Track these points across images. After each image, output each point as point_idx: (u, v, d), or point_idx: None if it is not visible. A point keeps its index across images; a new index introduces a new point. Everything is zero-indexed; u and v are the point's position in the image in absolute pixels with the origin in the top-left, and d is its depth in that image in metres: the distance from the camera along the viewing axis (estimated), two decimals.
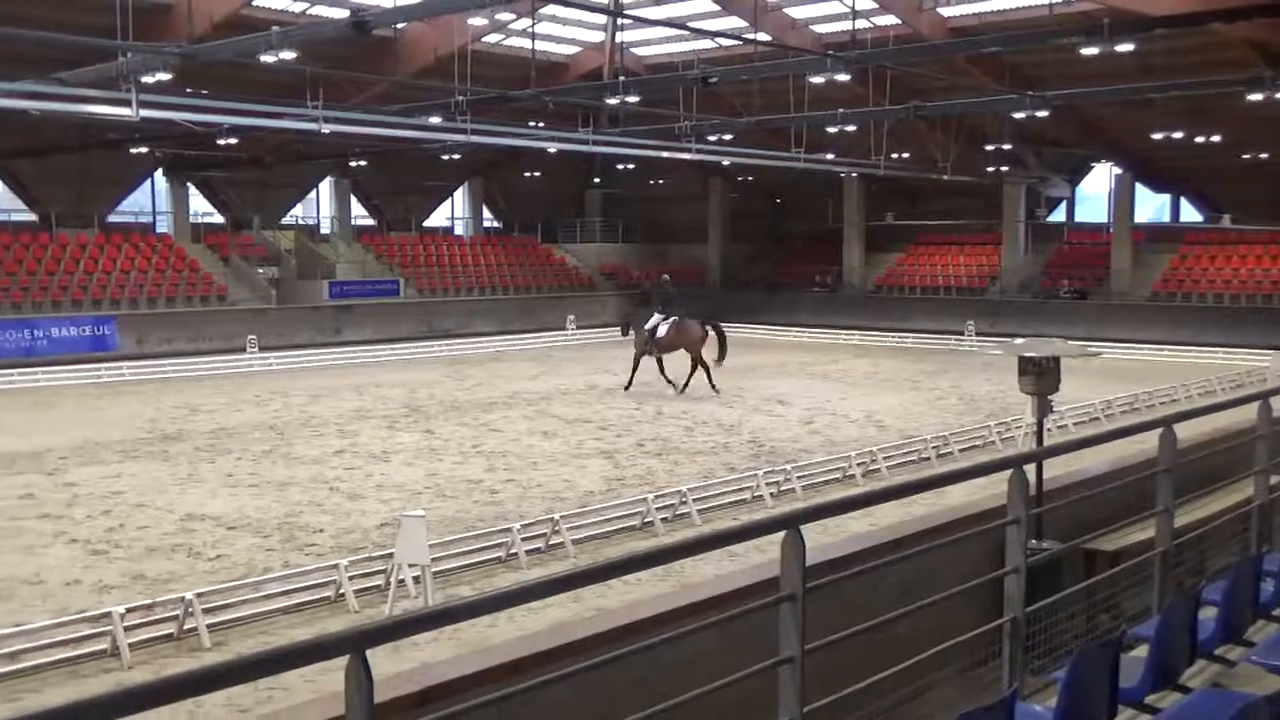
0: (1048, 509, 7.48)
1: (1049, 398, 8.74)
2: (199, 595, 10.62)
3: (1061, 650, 5.72)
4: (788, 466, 17.02)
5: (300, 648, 2.83)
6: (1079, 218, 47.01)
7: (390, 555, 11.61)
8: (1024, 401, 12.11)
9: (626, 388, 26.57)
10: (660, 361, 26.36)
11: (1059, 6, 28.54)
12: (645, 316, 26.78)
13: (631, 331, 27.33)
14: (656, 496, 15.01)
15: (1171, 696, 4.92)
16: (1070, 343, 12.16)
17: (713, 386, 25.83)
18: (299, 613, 11.29)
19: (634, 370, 26.82)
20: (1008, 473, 5.33)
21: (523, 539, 13.12)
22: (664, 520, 14.64)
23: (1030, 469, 6.35)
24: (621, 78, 26.05)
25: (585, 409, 24.29)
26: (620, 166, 47.71)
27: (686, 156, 32.32)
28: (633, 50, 37.32)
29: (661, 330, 26.12)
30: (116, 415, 23.66)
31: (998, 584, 5.32)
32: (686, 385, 26.04)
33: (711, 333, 26.12)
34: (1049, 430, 13.21)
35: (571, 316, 43.28)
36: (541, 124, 33.04)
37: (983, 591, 5.53)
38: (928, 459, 18.65)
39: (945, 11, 31.69)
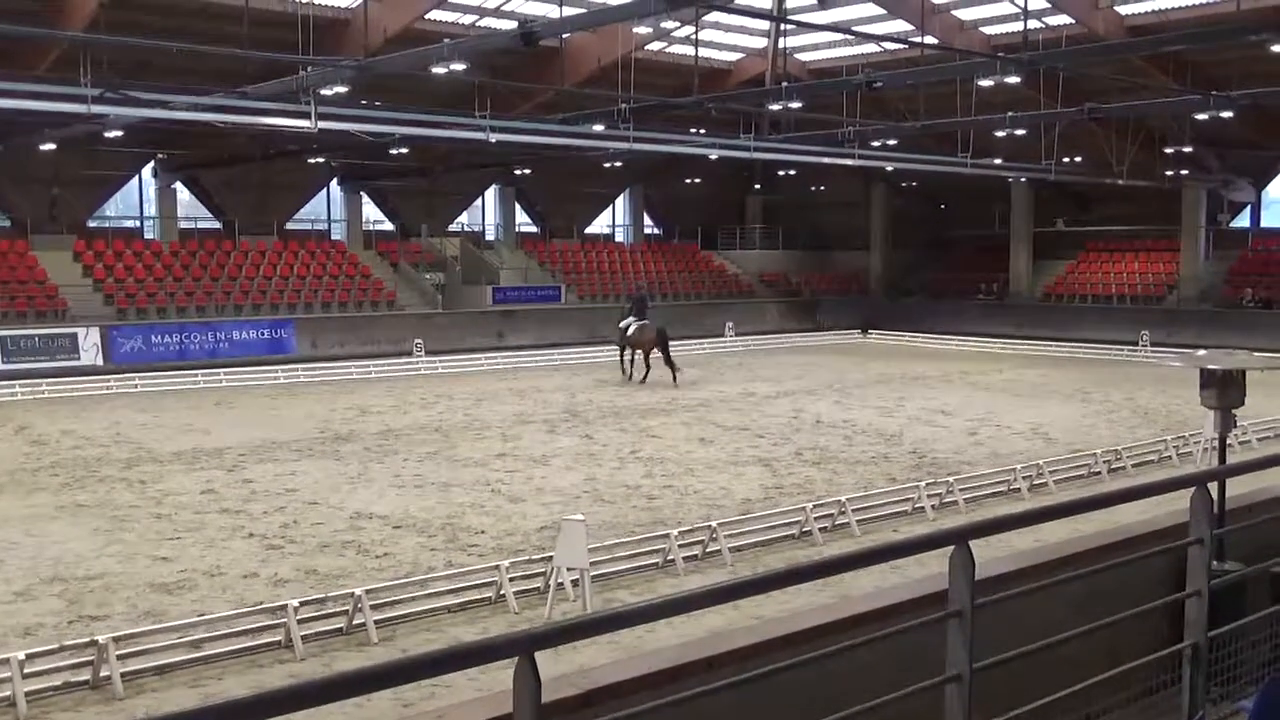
0: (1233, 529, 7.13)
1: (1233, 412, 8.31)
2: (368, 592, 10.96)
3: (1244, 679, 5.45)
4: (950, 479, 16.65)
5: (473, 648, 2.90)
6: (1265, 223, 44.68)
7: (550, 558, 11.76)
8: (1203, 415, 11.59)
9: (627, 376, 30.58)
10: (636, 357, 30.39)
11: (1247, 0, 27.22)
12: (627, 317, 30.93)
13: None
14: (815, 506, 14.86)
15: None
16: (1255, 354, 11.59)
17: (643, 379, 29.67)
18: (461, 611, 11.54)
19: (620, 363, 31.00)
20: (1184, 490, 5.10)
21: (680, 545, 13.16)
22: (822, 530, 14.49)
23: (1214, 486, 6.07)
24: (784, 83, 25.94)
25: (743, 416, 24.23)
26: (781, 173, 47.48)
27: (849, 162, 31.94)
28: (796, 55, 37.14)
29: (631, 330, 30.22)
30: (292, 415, 24.63)
31: (1171, 607, 5.09)
32: (645, 377, 29.92)
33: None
34: (1231, 446, 12.62)
35: (730, 323, 43.25)
36: (703, 130, 33.13)
37: (1153, 615, 5.31)
38: (1098, 474, 18.00)
39: (1122, 9, 30.59)
